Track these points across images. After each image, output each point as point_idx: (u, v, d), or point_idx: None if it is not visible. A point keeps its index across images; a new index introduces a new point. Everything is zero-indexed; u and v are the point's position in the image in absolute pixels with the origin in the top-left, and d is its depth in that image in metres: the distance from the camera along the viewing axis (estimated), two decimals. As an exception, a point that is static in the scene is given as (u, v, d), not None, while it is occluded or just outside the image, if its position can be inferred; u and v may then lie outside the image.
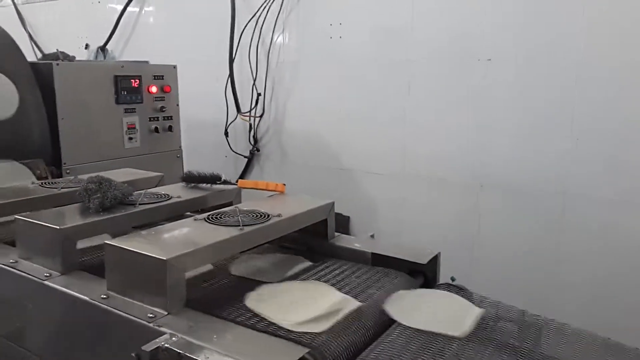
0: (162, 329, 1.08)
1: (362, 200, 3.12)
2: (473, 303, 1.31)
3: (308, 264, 1.50)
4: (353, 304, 1.20)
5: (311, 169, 3.30)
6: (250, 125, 3.45)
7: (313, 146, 3.29)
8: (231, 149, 3.53)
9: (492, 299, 1.35)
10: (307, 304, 1.20)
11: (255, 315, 1.15)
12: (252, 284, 1.33)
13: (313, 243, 1.65)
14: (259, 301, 1.21)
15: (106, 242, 1.24)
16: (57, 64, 2.42)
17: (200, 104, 3.49)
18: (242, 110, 3.46)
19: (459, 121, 2.75)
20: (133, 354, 1.06)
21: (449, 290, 1.36)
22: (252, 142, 3.48)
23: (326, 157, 3.24)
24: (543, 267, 2.61)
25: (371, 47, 2.99)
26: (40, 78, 2.38)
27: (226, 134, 3.52)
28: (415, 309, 1.24)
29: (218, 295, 1.28)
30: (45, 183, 1.85)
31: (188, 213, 1.71)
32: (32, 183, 1.86)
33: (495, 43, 2.60)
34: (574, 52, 2.42)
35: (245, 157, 3.52)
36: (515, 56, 2.56)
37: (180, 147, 2.91)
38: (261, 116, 3.42)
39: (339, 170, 3.19)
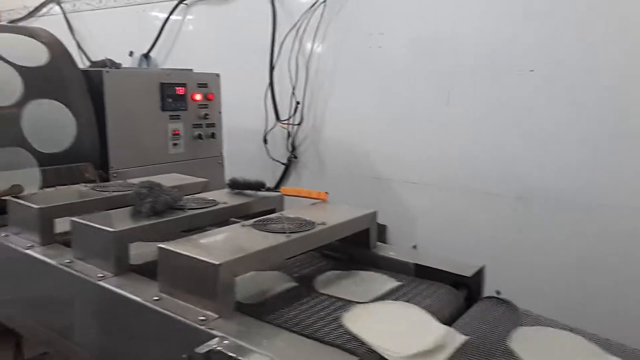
0: (214, 332, 1.10)
1: (398, 209, 3.11)
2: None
3: (395, 283, 1.45)
4: (458, 338, 1.13)
5: (347, 177, 3.32)
6: (289, 133, 3.50)
7: (349, 154, 3.31)
8: (269, 156, 3.58)
9: (534, 313, 1.34)
10: (409, 332, 1.15)
11: (355, 338, 1.10)
12: (339, 301, 1.31)
13: (355, 252, 1.66)
14: (356, 322, 1.16)
15: (159, 245, 1.28)
16: (107, 72, 2.50)
17: (239, 112, 3.53)
18: (281, 119, 3.51)
19: (497, 131, 2.73)
20: (184, 356, 1.09)
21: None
22: (290, 150, 3.52)
23: (362, 165, 3.25)
24: (578, 279, 2.57)
25: (410, 57, 2.99)
26: (90, 85, 2.46)
27: (265, 141, 3.57)
28: (549, 354, 1.17)
29: (308, 313, 1.25)
30: (96, 187, 1.91)
31: (233, 218, 1.75)
32: (85, 186, 1.93)
33: (537, 53, 2.58)
34: (617, 57, 2.38)
35: (283, 164, 3.56)
36: (558, 66, 2.53)
37: (221, 153, 2.96)
38: (299, 124, 3.46)
39: (375, 179, 3.20)
